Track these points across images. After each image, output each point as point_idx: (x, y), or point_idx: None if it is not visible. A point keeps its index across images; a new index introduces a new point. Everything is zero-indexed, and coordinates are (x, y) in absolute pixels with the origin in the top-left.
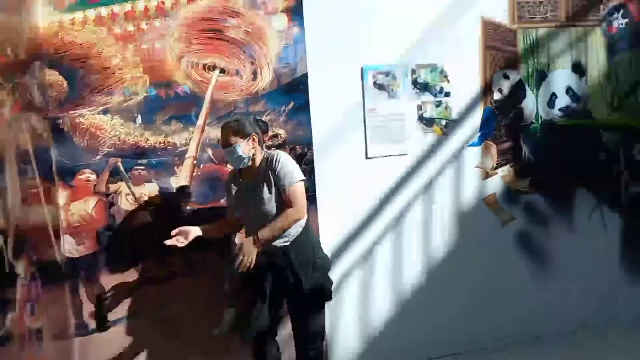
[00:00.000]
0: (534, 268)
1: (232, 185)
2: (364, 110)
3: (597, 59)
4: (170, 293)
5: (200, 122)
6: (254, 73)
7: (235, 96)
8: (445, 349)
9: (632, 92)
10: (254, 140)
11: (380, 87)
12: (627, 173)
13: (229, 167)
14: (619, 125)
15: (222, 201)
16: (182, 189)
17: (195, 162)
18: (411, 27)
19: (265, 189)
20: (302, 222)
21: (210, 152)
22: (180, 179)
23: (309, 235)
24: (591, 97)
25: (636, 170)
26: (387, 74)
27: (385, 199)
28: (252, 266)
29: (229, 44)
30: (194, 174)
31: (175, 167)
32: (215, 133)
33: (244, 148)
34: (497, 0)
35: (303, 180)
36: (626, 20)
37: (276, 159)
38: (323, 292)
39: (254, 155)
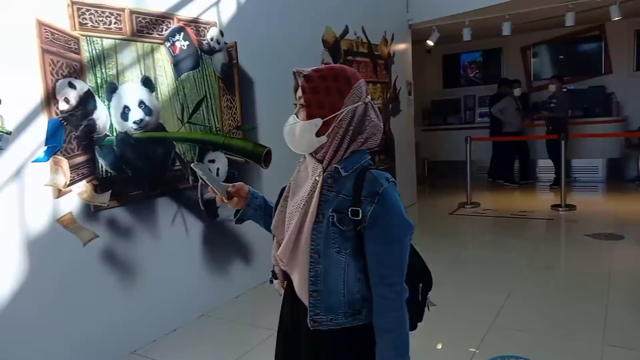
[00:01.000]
0: (122, 281)
1: None
2: None
3: (165, 75)
4: None
5: None
6: None
7: None
8: None
9: (198, 109)
10: None
11: None
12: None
13: None
14: (190, 138)
15: None
16: None
17: None
18: None
19: None
20: None
21: None
22: None
23: None
24: (163, 111)
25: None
26: None
27: None
28: None
29: None
30: None
31: None
32: None
33: None
34: (54, 2)
35: None
36: (187, 42)
37: None
38: None
39: None
